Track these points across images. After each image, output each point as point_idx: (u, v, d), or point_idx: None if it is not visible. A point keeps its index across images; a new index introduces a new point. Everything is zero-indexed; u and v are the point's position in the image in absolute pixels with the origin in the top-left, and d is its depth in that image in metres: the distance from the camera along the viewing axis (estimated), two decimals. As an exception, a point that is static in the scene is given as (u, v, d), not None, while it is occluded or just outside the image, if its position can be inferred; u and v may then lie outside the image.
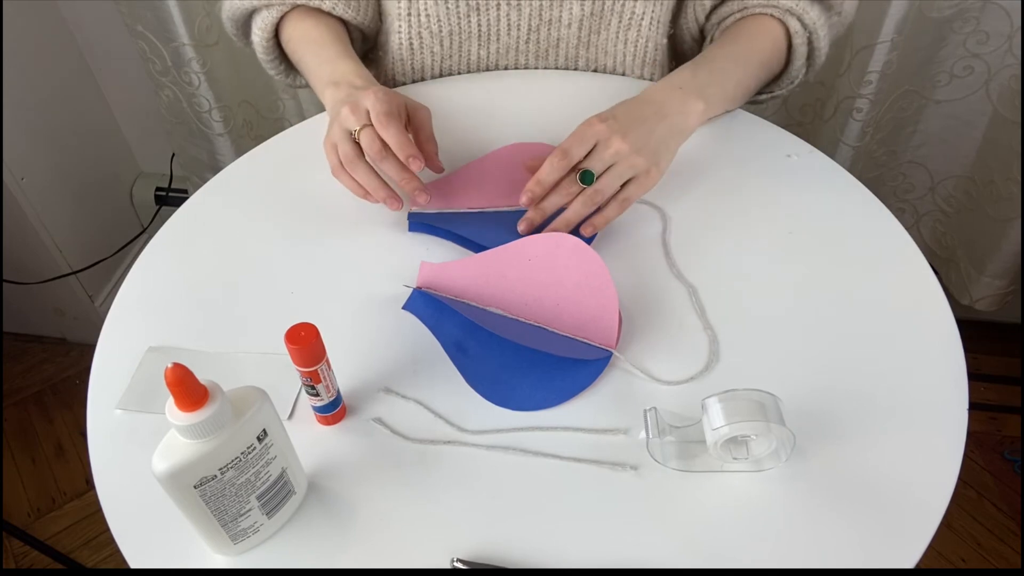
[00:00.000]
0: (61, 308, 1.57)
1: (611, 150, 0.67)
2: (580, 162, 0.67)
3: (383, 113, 0.68)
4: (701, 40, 0.89)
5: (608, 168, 0.67)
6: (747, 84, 0.79)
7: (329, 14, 0.84)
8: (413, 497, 0.54)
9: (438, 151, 0.74)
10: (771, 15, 0.80)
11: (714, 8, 0.85)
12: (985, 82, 1.16)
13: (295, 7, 0.83)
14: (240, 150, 1.35)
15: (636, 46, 0.85)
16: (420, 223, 0.72)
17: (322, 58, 0.79)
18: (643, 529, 0.51)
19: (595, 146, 0.67)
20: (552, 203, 0.68)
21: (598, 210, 0.68)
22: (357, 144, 0.69)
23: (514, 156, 0.76)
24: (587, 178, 0.67)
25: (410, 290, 0.66)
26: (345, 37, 0.84)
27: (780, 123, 0.81)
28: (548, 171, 0.67)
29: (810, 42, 0.81)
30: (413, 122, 0.74)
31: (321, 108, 0.80)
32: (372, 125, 0.68)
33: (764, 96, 0.87)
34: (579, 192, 0.67)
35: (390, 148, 0.67)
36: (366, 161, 0.69)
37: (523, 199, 0.68)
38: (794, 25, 0.79)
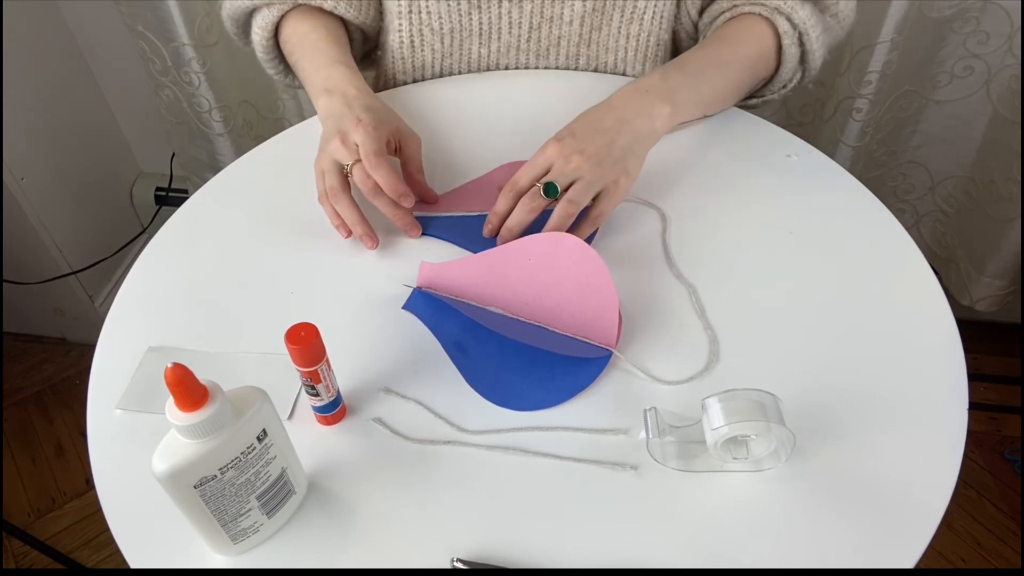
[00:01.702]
0: (61, 308, 1.57)
1: (571, 165, 0.66)
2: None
3: (372, 153, 0.67)
4: (696, 38, 0.89)
5: (572, 183, 0.66)
6: (726, 88, 0.78)
7: (330, 14, 0.84)
8: (413, 497, 0.54)
9: (425, 179, 0.74)
10: (760, 14, 0.78)
11: (705, 6, 0.84)
12: (985, 82, 1.16)
13: (296, 6, 0.83)
14: (240, 150, 1.35)
15: (638, 40, 0.84)
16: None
17: (318, 63, 0.79)
18: (643, 529, 0.51)
19: (553, 165, 0.67)
20: (517, 220, 0.67)
21: (574, 226, 0.67)
22: (344, 176, 0.69)
23: (511, 175, 0.76)
24: (551, 191, 0.66)
25: (410, 290, 0.66)
26: (344, 41, 0.84)
27: (780, 123, 0.80)
28: (501, 203, 0.68)
29: (802, 43, 0.79)
30: (403, 152, 0.73)
31: (321, 108, 0.80)
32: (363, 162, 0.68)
33: (755, 100, 0.85)
34: (543, 205, 0.66)
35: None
36: (350, 195, 0.69)
37: (485, 231, 0.69)
38: (783, 25, 0.78)
